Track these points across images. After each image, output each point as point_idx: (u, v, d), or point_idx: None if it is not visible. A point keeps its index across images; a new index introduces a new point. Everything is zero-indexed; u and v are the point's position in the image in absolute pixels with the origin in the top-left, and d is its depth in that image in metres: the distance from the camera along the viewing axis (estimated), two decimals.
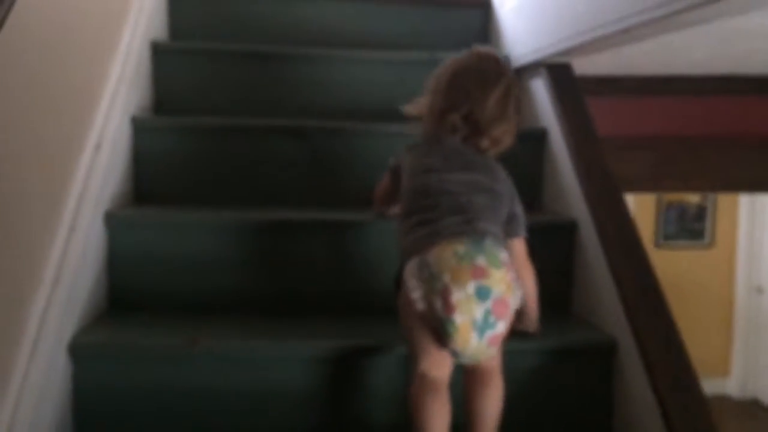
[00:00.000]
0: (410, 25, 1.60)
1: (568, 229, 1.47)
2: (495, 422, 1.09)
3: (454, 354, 1.05)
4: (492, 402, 1.09)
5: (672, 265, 4.84)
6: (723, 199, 5.45)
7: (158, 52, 1.76)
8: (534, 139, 1.68)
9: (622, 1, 1.15)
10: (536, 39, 1.64)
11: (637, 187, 2.66)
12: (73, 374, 1.20)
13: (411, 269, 1.06)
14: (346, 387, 1.24)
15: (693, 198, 5.47)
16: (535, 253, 1.46)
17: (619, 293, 1.25)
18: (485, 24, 2.07)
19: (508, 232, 1.18)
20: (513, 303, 1.04)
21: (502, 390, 1.10)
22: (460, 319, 1.00)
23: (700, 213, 5.56)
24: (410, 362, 1.11)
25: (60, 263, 1.19)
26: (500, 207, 1.16)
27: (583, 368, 1.30)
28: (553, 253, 1.48)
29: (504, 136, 1.21)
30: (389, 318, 1.18)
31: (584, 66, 1.73)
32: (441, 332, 1.02)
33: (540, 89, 1.70)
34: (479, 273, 1.01)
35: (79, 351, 1.20)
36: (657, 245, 5.36)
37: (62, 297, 1.18)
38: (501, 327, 1.02)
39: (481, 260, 1.02)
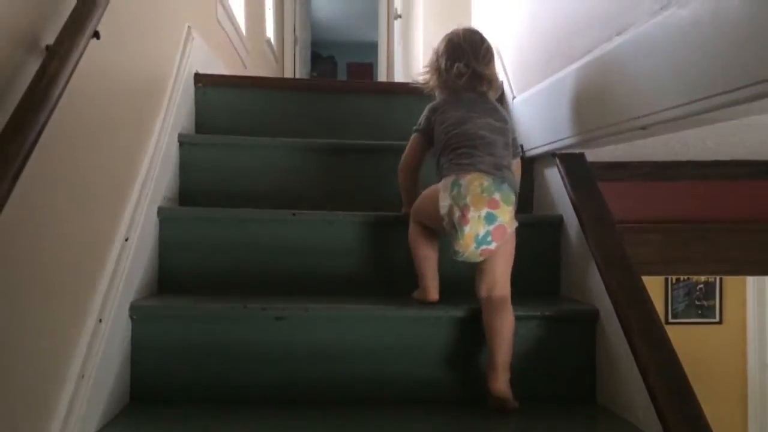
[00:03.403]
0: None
1: (591, 320, 1.47)
2: (511, 338, 1.39)
3: (455, 252, 1.41)
4: (506, 322, 1.39)
5: (683, 342, 4.75)
6: (730, 277, 5.44)
7: (184, 145, 1.81)
8: (550, 227, 1.71)
9: (639, 99, 1.19)
10: (550, 132, 1.68)
11: (647, 270, 2.66)
12: None
13: (446, 183, 1.42)
14: None
15: (700, 276, 5.46)
16: (558, 343, 1.48)
17: (647, 387, 1.24)
18: None
19: (513, 155, 1.57)
20: (510, 230, 1.41)
21: (512, 314, 1.41)
22: (468, 230, 1.36)
23: (708, 290, 5.54)
24: (412, 215, 1.53)
25: (86, 358, 1.20)
26: (509, 140, 1.54)
27: None
28: (575, 344, 1.48)
29: (494, 78, 1.58)
30: None
31: (595, 152, 1.77)
32: (452, 234, 1.39)
33: (555, 178, 1.73)
34: (493, 204, 1.37)
35: None
36: (667, 322, 5.31)
37: (87, 393, 1.17)
38: (494, 245, 1.39)
39: (497, 195, 1.38)
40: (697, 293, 5.56)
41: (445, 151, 1.49)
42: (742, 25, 0.88)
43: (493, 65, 1.59)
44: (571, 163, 1.68)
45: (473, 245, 1.37)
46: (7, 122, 0.86)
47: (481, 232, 1.36)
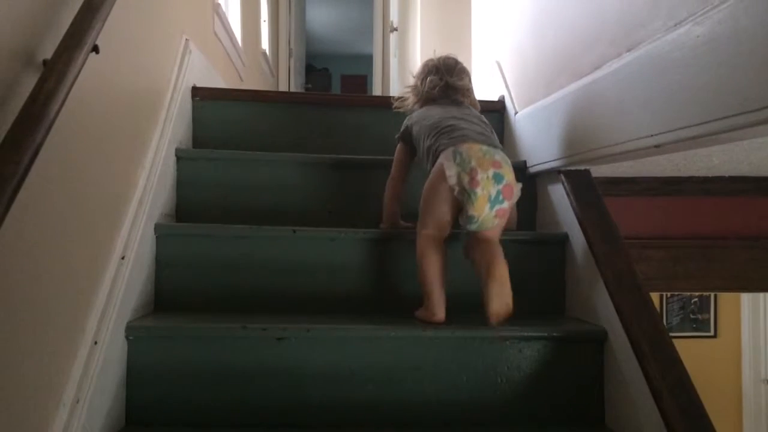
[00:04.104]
0: None
1: (599, 341, 1.44)
2: (507, 278, 1.42)
3: (470, 219, 1.41)
4: (503, 264, 1.42)
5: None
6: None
7: (182, 159, 1.77)
8: (555, 245, 1.68)
9: (654, 117, 1.17)
10: (556, 148, 1.65)
11: (649, 286, 2.62)
12: None
13: (447, 155, 1.44)
14: None
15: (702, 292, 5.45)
16: (566, 365, 1.44)
17: (659, 410, 1.20)
18: (501, 129, 2.11)
19: None
20: (516, 191, 1.44)
21: (505, 262, 1.44)
22: (480, 192, 1.39)
23: (703, 304, 5.53)
24: (419, 228, 1.48)
25: (81, 382, 1.15)
26: (492, 132, 1.58)
27: None
28: (584, 366, 1.44)
29: (468, 89, 1.69)
30: None
31: (598, 168, 1.74)
32: (465, 201, 1.40)
33: (560, 195, 1.70)
34: (497, 165, 1.41)
35: None
36: None
37: (82, 418, 1.13)
38: (506, 204, 1.42)
39: (498, 157, 1.43)
40: (692, 307, 5.55)
41: (431, 136, 1.53)
42: (766, 44, 0.85)
43: (468, 80, 1.70)
44: (577, 179, 1.65)
45: (487, 206, 1.39)
46: (3, 141, 0.82)
47: (493, 192, 1.39)
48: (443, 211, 1.45)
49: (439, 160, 1.46)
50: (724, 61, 0.95)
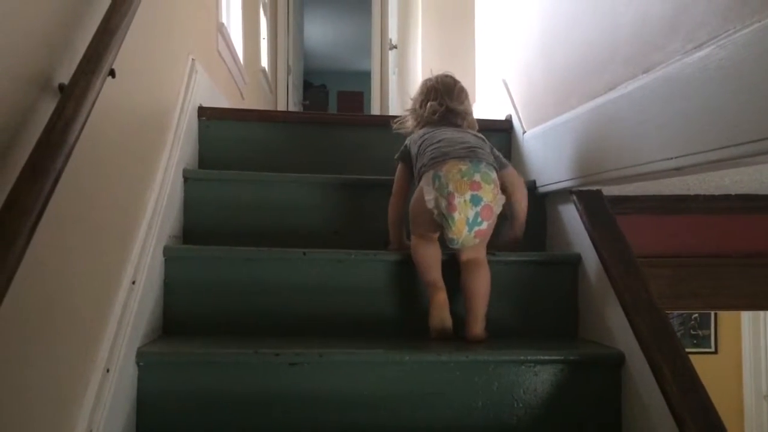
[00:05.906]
0: None
1: (616, 364, 1.42)
2: (486, 296, 1.50)
3: (450, 241, 1.45)
4: (482, 281, 1.51)
5: None
6: None
7: (189, 180, 1.75)
8: (568, 265, 1.67)
9: (675, 140, 1.16)
10: (568, 169, 1.64)
11: None
12: None
13: (427, 179, 1.49)
14: None
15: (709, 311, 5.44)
16: (582, 389, 1.42)
17: None
18: (508, 148, 2.10)
19: (501, 167, 1.58)
20: (496, 209, 1.47)
21: (489, 273, 1.52)
22: (457, 216, 1.42)
23: (703, 320, 5.52)
24: (412, 233, 1.56)
25: (93, 411, 1.12)
26: (487, 149, 1.58)
27: None
28: (601, 390, 1.42)
29: (469, 112, 1.71)
30: None
31: (606, 187, 1.73)
32: (443, 224, 1.44)
33: (571, 215, 1.69)
34: (475, 186, 1.43)
35: None
36: None
37: None
38: (485, 225, 1.45)
39: (477, 177, 1.44)
40: (692, 323, 5.54)
41: (420, 158, 1.56)
42: None
43: (468, 103, 1.71)
44: (590, 200, 1.64)
45: (466, 229, 1.43)
46: (22, 170, 0.79)
47: (471, 215, 1.42)
48: (428, 227, 1.51)
49: (421, 183, 1.51)
50: (749, 84, 0.95)
